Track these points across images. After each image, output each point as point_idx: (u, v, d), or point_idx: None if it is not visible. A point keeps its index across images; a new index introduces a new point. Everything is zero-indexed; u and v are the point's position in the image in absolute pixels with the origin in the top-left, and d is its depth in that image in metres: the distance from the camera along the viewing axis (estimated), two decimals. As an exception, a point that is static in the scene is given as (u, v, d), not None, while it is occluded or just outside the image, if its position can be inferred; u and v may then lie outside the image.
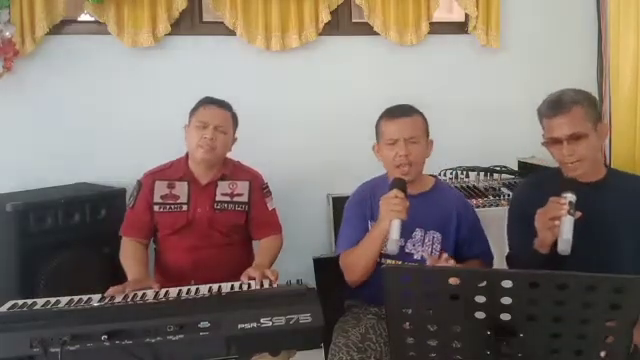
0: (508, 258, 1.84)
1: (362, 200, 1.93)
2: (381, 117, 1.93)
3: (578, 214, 1.53)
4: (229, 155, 2.17)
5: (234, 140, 2.14)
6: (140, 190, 2.08)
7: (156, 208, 2.05)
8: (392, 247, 1.65)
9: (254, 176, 2.18)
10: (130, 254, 2.00)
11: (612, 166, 2.74)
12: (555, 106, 1.70)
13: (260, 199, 2.14)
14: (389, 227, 1.66)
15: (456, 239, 1.90)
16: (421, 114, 1.93)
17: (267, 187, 2.19)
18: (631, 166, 2.91)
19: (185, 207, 2.05)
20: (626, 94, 3.15)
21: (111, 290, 1.68)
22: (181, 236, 2.04)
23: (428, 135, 1.93)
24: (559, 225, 1.52)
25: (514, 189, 2.68)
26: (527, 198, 1.70)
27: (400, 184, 1.74)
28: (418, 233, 1.88)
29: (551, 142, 1.71)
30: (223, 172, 2.11)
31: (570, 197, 1.54)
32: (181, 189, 2.07)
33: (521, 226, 1.65)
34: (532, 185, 1.88)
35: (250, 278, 1.77)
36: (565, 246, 1.50)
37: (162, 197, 2.05)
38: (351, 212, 1.94)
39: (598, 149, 1.74)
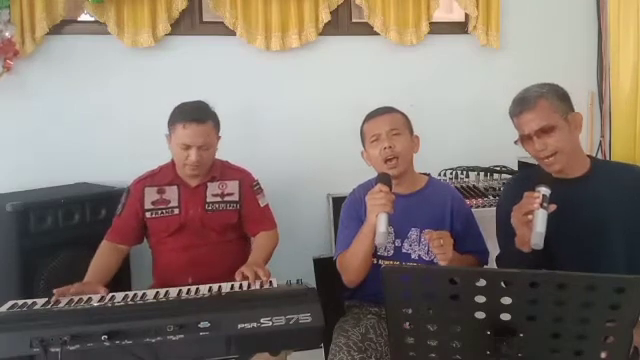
0: (497, 259, 1.83)
1: (356, 202, 1.93)
2: (363, 122, 1.96)
3: (552, 207, 1.50)
4: (217, 155, 2.15)
5: (218, 139, 2.11)
6: (128, 197, 2.09)
7: (148, 215, 2.06)
8: (380, 240, 1.65)
9: (243, 175, 2.17)
10: (98, 258, 2.00)
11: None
12: (520, 103, 1.69)
13: (251, 197, 2.14)
14: (376, 221, 1.66)
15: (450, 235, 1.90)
16: (401, 112, 1.95)
17: (258, 184, 2.19)
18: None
19: (177, 210, 2.05)
20: (626, 93, 3.16)
21: (57, 292, 1.66)
22: (176, 238, 2.05)
23: (412, 131, 1.94)
24: (532, 219, 1.50)
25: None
26: (512, 197, 1.67)
27: (384, 178, 1.75)
28: (414, 233, 1.88)
29: (522, 139, 1.70)
30: (212, 174, 2.11)
31: (544, 191, 1.51)
32: (171, 193, 2.07)
33: (506, 226, 1.63)
34: (516, 183, 1.87)
35: (244, 277, 1.76)
36: (537, 239, 1.47)
37: (153, 203, 2.06)
38: (346, 215, 1.95)
39: (573, 140, 1.69)
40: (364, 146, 1.95)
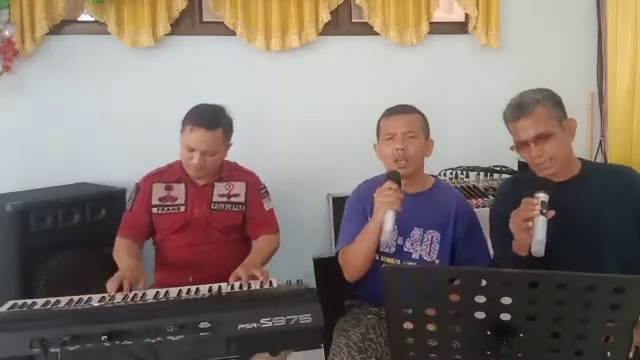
0: (492, 262, 1.83)
1: (362, 197, 1.93)
2: (382, 116, 1.95)
3: (551, 213, 1.51)
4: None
5: (229, 146, 2.11)
6: (138, 193, 2.10)
7: (154, 210, 2.07)
8: (386, 238, 1.65)
9: (251, 177, 2.18)
10: (123, 249, 2.01)
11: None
12: (517, 109, 1.69)
13: (257, 200, 2.15)
14: (383, 219, 1.66)
15: (452, 238, 1.89)
16: (421, 114, 1.94)
17: (264, 188, 2.20)
18: (627, 163, 2.92)
19: (183, 208, 2.07)
20: (623, 94, 3.17)
21: (109, 285, 1.68)
22: (180, 235, 2.06)
23: (428, 135, 1.93)
24: (532, 226, 1.50)
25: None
26: (509, 201, 1.68)
27: (394, 176, 1.75)
28: (416, 232, 1.88)
29: (519, 145, 1.70)
30: (220, 175, 2.12)
31: (542, 197, 1.52)
32: (178, 191, 2.09)
33: (502, 230, 1.63)
34: (510, 188, 1.88)
35: (237, 279, 1.75)
36: (538, 247, 1.47)
37: (160, 199, 2.08)
38: (351, 209, 1.95)
39: (567, 146, 1.71)
40: (378, 140, 1.94)
